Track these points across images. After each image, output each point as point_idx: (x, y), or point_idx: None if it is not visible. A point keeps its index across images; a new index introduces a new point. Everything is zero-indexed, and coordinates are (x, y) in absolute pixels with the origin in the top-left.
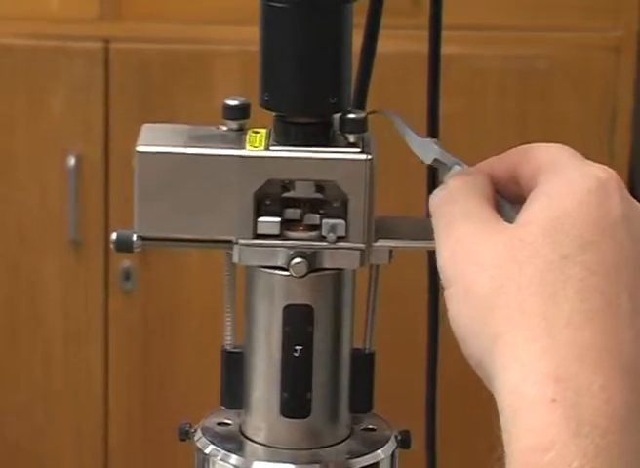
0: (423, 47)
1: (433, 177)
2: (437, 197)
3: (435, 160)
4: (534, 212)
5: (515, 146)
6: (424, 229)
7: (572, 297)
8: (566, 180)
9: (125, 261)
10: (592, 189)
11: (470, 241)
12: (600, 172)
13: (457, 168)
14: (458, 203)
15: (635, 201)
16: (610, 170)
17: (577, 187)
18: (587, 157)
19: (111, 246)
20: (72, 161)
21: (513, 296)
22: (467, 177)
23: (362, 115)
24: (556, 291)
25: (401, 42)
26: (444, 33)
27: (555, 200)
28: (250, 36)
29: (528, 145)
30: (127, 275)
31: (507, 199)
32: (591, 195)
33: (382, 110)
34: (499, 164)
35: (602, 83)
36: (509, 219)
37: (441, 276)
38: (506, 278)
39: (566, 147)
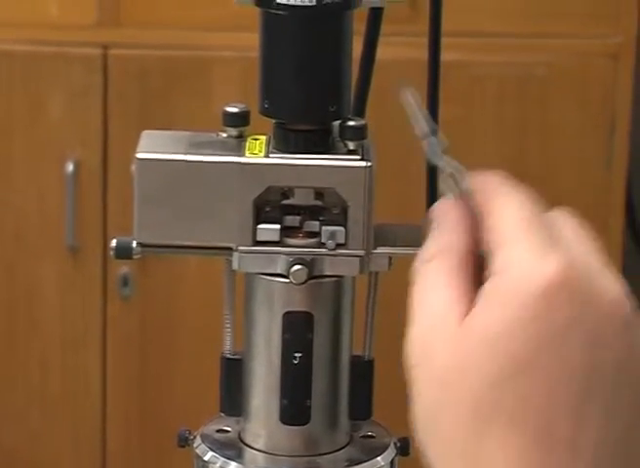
0: (423, 54)
1: (432, 184)
2: (419, 257)
3: (431, 160)
4: (478, 316)
5: (513, 154)
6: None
7: (500, 429)
8: (514, 282)
9: (123, 267)
10: (538, 296)
11: (427, 331)
12: (553, 267)
13: (445, 193)
14: (428, 275)
15: (595, 294)
16: (569, 260)
17: (522, 294)
18: (586, 164)
19: (111, 253)
20: (70, 167)
21: (448, 423)
22: (442, 240)
23: (362, 122)
24: (487, 420)
25: (400, 49)
26: (443, 40)
27: (498, 309)
28: (249, 43)
29: (490, 189)
30: (125, 281)
31: None
32: (535, 305)
33: (403, 83)
34: (473, 199)
35: (601, 90)
36: None
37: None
38: (448, 397)
39: (526, 208)
